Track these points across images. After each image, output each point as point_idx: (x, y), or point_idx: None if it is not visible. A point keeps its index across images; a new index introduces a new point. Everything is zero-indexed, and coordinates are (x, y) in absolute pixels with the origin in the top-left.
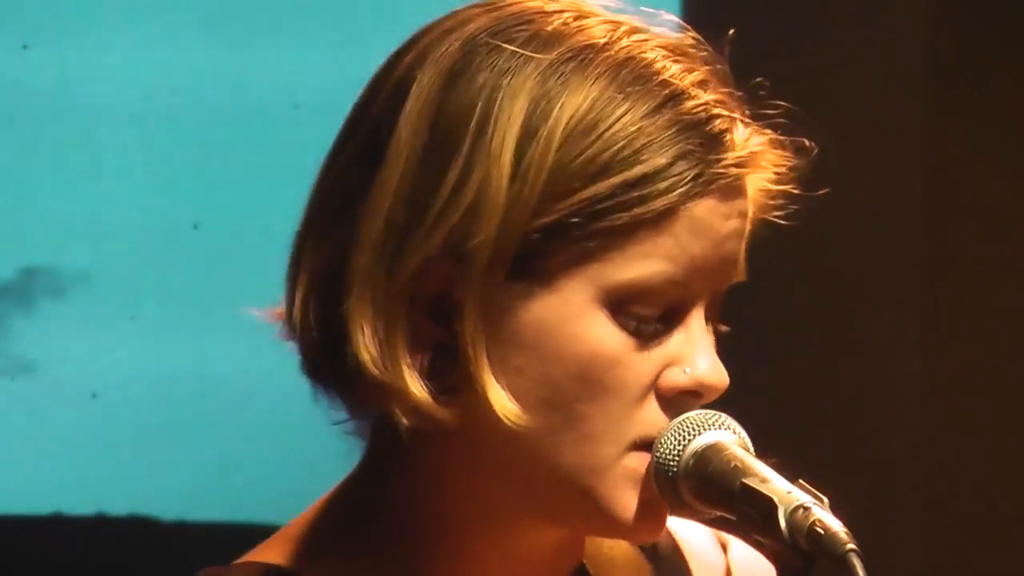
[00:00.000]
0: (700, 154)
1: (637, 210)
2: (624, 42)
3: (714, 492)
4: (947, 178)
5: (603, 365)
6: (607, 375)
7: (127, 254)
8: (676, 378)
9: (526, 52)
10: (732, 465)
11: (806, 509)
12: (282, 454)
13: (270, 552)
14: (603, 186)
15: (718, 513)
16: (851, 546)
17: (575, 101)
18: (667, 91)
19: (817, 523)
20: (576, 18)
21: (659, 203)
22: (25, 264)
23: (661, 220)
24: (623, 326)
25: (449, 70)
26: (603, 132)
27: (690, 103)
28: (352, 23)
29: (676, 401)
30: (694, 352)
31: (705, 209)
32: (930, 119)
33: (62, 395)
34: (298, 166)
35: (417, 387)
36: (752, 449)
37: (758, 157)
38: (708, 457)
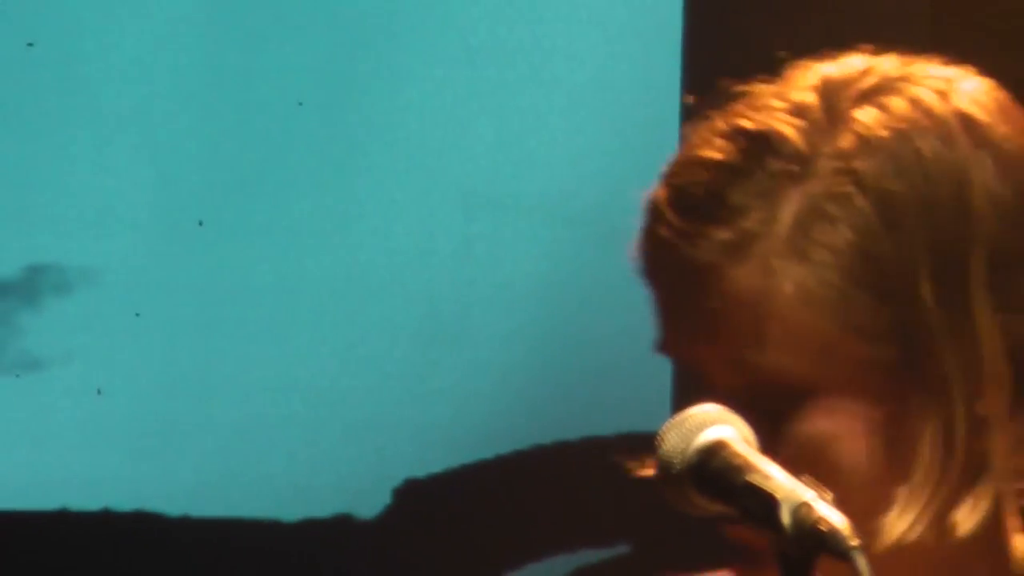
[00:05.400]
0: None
1: None
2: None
3: (717, 489)
4: None
5: None
6: None
7: (133, 251)
8: None
9: None
10: (735, 462)
11: (809, 505)
12: (287, 450)
13: None
14: None
15: (722, 510)
16: (855, 542)
17: None
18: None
19: (820, 520)
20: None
21: None
22: (31, 261)
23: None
24: None
25: None
26: None
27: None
28: (356, 21)
29: None
30: None
31: (649, 291)
32: None
33: (68, 392)
34: (302, 163)
35: None
36: (756, 445)
37: (683, 246)
38: (711, 453)
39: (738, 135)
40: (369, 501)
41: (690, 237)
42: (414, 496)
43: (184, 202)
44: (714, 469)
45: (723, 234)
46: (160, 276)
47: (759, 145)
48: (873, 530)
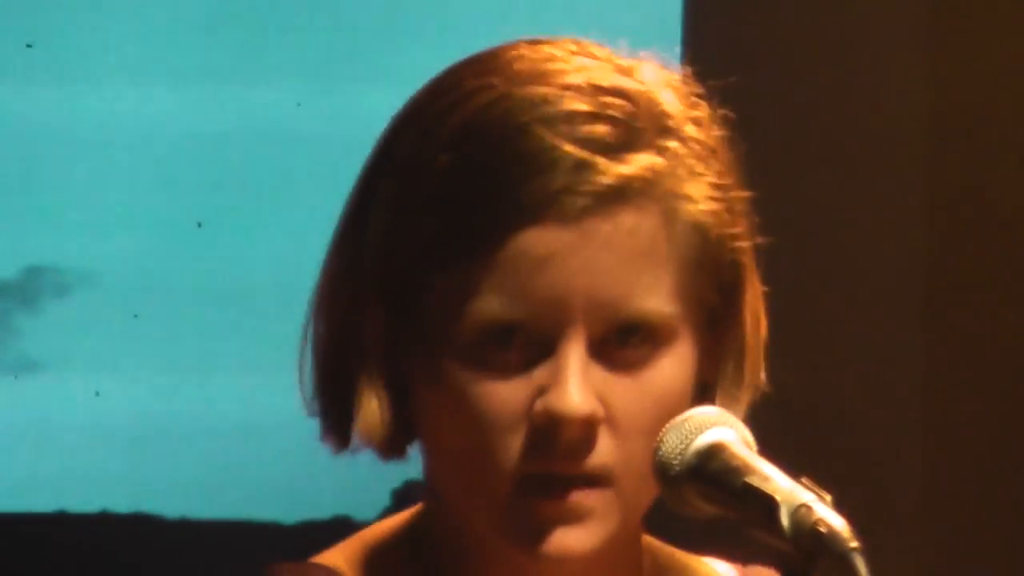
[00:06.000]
0: (514, 184)
1: (463, 247)
2: (492, 81)
3: (716, 491)
4: (950, 186)
5: (462, 401)
6: (469, 409)
7: (131, 252)
8: (535, 407)
9: (419, 98)
10: (734, 464)
11: (808, 507)
12: (284, 452)
13: (338, 555)
14: (430, 227)
15: (720, 512)
16: (854, 544)
17: (411, 141)
18: (493, 126)
19: (819, 521)
20: (488, 56)
21: (478, 237)
22: (28, 262)
23: (487, 254)
24: (480, 362)
25: None
26: (427, 170)
27: (514, 133)
28: (356, 21)
29: (543, 432)
30: (552, 380)
31: (532, 239)
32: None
33: (66, 393)
34: (301, 164)
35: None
36: (755, 447)
37: (584, 184)
38: (710, 455)
39: (600, 91)
40: (368, 502)
41: (587, 184)
42: (414, 497)
43: (183, 203)
44: (713, 471)
45: (626, 169)
46: (159, 278)
47: (623, 100)
48: None
